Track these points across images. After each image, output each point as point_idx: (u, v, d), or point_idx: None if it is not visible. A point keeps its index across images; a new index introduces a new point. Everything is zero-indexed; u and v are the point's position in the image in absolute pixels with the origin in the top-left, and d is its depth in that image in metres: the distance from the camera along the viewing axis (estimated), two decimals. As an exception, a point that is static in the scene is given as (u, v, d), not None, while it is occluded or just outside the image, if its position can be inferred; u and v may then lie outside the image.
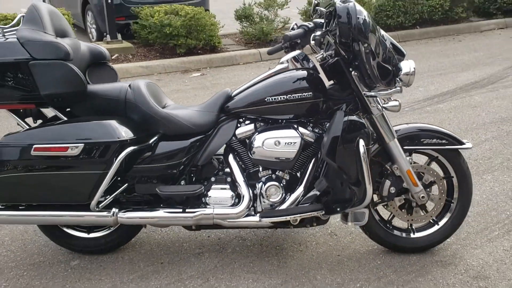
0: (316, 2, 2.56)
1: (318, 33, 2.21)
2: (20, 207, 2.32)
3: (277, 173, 2.39)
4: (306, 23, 2.33)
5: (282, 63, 2.45)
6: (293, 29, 2.59)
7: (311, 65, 2.41)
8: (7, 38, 2.21)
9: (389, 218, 2.55)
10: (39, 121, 2.44)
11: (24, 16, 2.31)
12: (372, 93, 2.29)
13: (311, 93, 2.30)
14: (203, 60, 6.42)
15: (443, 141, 2.42)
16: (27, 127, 2.33)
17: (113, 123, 2.19)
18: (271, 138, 2.29)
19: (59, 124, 2.25)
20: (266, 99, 2.31)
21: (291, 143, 2.28)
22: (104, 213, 2.29)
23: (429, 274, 2.38)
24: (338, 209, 2.29)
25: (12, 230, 2.78)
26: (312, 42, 2.24)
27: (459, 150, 2.46)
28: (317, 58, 2.39)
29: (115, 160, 2.18)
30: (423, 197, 2.40)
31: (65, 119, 2.31)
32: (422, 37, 7.93)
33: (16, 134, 2.23)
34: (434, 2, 7.94)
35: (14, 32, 2.26)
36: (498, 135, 3.98)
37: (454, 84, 5.44)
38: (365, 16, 2.13)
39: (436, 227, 2.52)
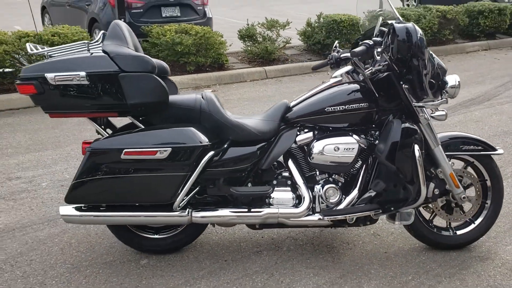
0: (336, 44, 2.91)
1: (379, 49, 2.48)
2: (101, 208, 2.51)
3: (333, 176, 2.63)
4: (366, 41, 2.59)
5: (335, 77, 2.71)
6: (335, 47, 2.91)
7: (361, 79, 2.68)
8: (93, 53, 2.42)
9: (431, 218, 2.81)
10: (108, 130, 2.63)
11: (105, 33, 2.54)
12: (421, 104, 2.57)
13: (366, 104, 2.56)
14: (212, 77, 6.66)
15: (479, 148, 2.71)
16: (107, 134, 2.52)
17: (194, 130, 2.41)
18: (331, 144, 2.54)
19: (142, 130, 2.44)
20: (326, 109, 2.56)
21: (349, 148, 2.53)
22: (181, 213, 2.48)
23: (471, 267, 2.64)
24: (392, 208, 2.54)
25: (75, 233, 2.93)
26: (378, 57, 2.49)
27: (492, 155, 2.75)
28: (367, 73, 2.67)
29: (200, 163, 2.39)
30: (463, 197, 2.68)
31: (142, 127, 2.51)
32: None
33: (105, 139, 2.42)
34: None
35: (99, 47, 2.47)
36: (504, 146, 4.32)
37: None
38: (422, 35, 2.42)
39: (472, 226, 2.79)
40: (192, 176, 2.41)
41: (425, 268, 2.64)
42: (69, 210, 2.52)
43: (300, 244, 2.86)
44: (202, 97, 2.55)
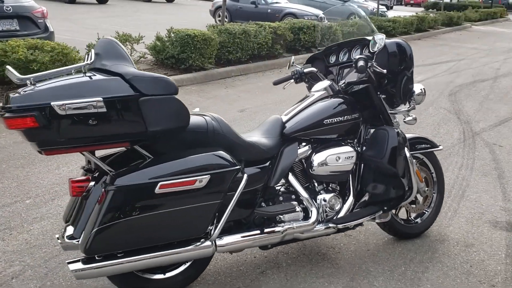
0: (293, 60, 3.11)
1: (362, 63, 2.67)
2: (118, 254, 2.14)
3: (330, 185, 2.75)
4: (362, 56, 2.75)
5: (318, 91, 2.83)
6: (293, 63, 3.06)
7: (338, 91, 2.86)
8: (96, 76, 2.06)
9: (397, 212, 3.14)
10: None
11: (98, 52, 2.17)
12: (395, 111, 2.88)
13: (357, 114, 2.76)
14: (74, 97, 6.02)
15: (428, 145, 3.15)
16: (109, 169, 2.16)
17: (225, 153, 2.25)
18: (333, 155, 2.66)
19: (169, 160, 2.16)
20: (324, 121, 2.67)
21: (349, 157, 2.69)
22: (206, 243, 2.28)
23: (438, 250, 3.05)
24: (392, 206, 2.78)
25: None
26: (361, 71, 2.70)
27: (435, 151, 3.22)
28: (341, 85, 2.87)
29: (238, 187, 2.24)
30: (425, 190, 3.08)
31: (151, 156, 2.22)
32: (257, 70, 8.92)
33: (131, 174, 2.07)
34: (261, 40, 9.03)
35: (97, 68, 2.11)
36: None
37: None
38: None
39: (426, 214, 3.22)
40: (232, 202, 2.25)
41: (407, 257, 2.95)
42: (81, 264, 2.09)
43: (294, 257, 2.89)
44: (213, 119, 2.40)
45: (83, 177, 2.25)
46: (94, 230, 2.01)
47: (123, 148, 2.31)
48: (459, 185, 4.08)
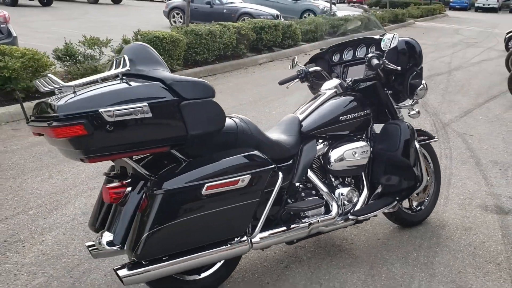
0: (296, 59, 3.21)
1: (376, 61, 2.80)
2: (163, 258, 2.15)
3: (346, 179, 2.87)
4: (375, 53, 2.87)
5: (328, 89, 2.93)
6: (296, 63, 3.16)
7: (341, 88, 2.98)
8: (131, 82, 2.07)
9: (400, 202, 3.30)
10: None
11: (131, 58, 2.17)
12: (400, 105, 3.04)
13: (368, 110, 2.89)
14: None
15: (426, 137, 3.33)
16: (147, 172, 2.17)
17: (259, 152, 2.31)
18: (349, 150, 2.77)
19: (208, 162, 2.19)
20: (340, 118, 2.78)
21: (365, 151, 2.82)
22: (242, 241, 2.33)
23: (442, 235, 3.24)
24: (405, 195, 2.93)
25: None
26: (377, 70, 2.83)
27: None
28: (348, 83, 2.99)
29: (276, 185, 2.31)
30: (426, 180, 3.26)
31: (186, 159, 2.24)
32: (223, 70, 8.96)
33: (178, 177, 2.08)
34: (226, 40, 9.08)
35: (133, 73, 2.11)
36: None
37: (290, 107, 6.58)
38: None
39: (426, 202, 3.40)
40: (270, 199, 2.32)
41: (415, 244, 3.12)
42: (127, 270, 2.09)
43: (312, 250, 2.99)
44: (241, 120, 2.44)
45: (118, 183, 2.24)
46: (145, 234, 2.02)
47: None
48: (444, 173, 4.31)
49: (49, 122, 1.89)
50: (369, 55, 2.84)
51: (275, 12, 14.78)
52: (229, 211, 2.20)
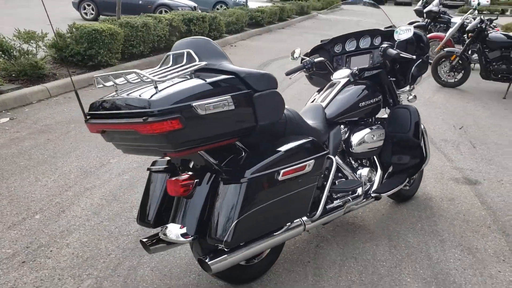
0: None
1: (392, 50, 3.05)
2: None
3: (364, 161, 3.11)
4: (387, 43, 3.11)
5: (342, 78, 3.14)
6: (299, 54, 3.35)
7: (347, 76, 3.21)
8: (208, 75, 2.12)
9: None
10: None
11: (189, 51, 2.22)
12: (400, 91, 3.35)
13: (380, 96, 3.15)
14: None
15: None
16: (217, 163, 2.23)
17: (315, 139, 2.45)
18: (369, 134, 3.02)
19: (272, 150, 2.28)
20: (360, 105, 3.01)
21: (381, 134, 3.09)
22: (297, 222, 2.48)
23: (433, 207, 3.61)
24: (414, 172, 3.24)
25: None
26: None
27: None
28: (354, 72, 3.23)
29: (332, 169, 2.47)
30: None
31: (246, 150, 2.33)
32: (159, 62, 8.80)
33: (257, 166, 2.15)
34: (160, 32, 8.95)
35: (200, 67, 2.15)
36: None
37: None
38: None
39: (415, 178, 3.77)
40: (329, 182, 2.47)
41: (415, 216, 3.46)
42: (212, 258, 2.15)
43: (331, 229, 3.20)
44: (286, 109, 2.56)
45: (186, 176, 2.27)
46: (235, 222, 2.09)
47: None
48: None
49: (144, 118, 1.89)
50: (384, 45, 3.09)
51: (192, 3, 14.70)
52: (298, 194, 2.34)
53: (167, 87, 2.02)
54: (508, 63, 7.29)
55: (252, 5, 17.60)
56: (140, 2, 14.46)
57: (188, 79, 2.09)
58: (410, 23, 14.37)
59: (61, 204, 3.34)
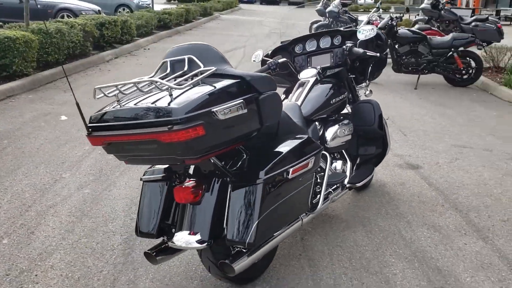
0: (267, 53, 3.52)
1: (358, 50, 3.24)
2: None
3: (336, 155, 3.29)
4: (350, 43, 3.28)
5: (310, 77, 3.28)
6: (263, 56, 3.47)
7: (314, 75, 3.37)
8: (217, 80, 2.14)
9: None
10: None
11: (190, 57, 2.23)
12: (358, 87, 3.58)
13: (346, 93, 3.35)
14: None
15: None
16: (225, 168, 2.27)
17: (310, 137, 2.55)
18: (340, 128, 3.20)
19: (275, 150, 2.35)
20: (331, 102, 3.18)
21: (350, 128, 3.28)
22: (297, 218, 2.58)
23: (390, 192, 3.90)
24: (379, 160, 3.48)
25: None
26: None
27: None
28: (319, 69, 3.39)
29: (327, 163, 2.59)
30: None
31: (247, 151, 2.38)
32: (77, 70, 8.40)
33: (268, 167, 2.20)
34: (74, 38, 8.52)
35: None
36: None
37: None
38: None
39: (369, 167, 4.04)
40: (325, 177, 2.59)
41: (377, 202, 3.71)
42: (234, 260, 2.17)
43: (309, 222, 3.34)
44: None
45: (193, 183, 2.27)
46: (255, 223, 2.13)
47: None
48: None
49: (169, 126, 1.87)
50: (348, 44, 3.28)
51: (96, 7, 14.11)
52: (303, 190, 2.44)
53: (182, 94, 2.01)
54: (417, 57, 7.98)
55: (154, 7, 17.36)
56: (39, 6, 13.57)
57: (200, 85, 2.09)
58: (313, 22, 15.10)
59: (27, 226, 3.12)
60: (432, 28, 10.54)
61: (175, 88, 1.99)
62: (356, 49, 3.26)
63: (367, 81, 3.63)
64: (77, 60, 8.69)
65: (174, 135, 1.88)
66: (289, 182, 2.31)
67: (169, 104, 1.94)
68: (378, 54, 3.33)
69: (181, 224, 2.30)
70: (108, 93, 2.13)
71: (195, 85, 2.09)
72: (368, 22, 9.93)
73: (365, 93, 3.68)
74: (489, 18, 11.12)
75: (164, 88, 2.00)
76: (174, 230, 2.38)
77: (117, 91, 2.10)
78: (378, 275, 2.74)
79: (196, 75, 2.13)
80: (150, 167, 2.51)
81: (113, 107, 2.11)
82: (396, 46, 8.05)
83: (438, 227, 3.31)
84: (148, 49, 11.65)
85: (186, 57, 2.26)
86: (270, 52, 3.67)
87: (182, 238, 2.25)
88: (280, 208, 2.27)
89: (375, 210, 3.56)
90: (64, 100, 6.45)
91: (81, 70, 8.51)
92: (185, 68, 2.24)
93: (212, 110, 1.96)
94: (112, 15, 12.53)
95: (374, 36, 3.28)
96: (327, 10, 13.80)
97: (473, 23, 10.99)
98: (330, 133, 3.14)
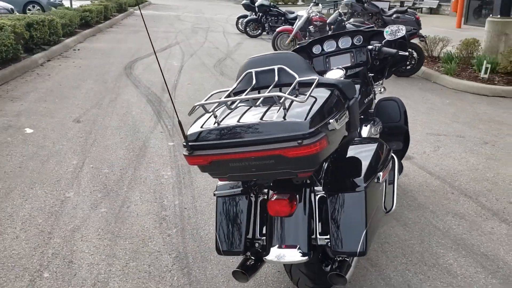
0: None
1: (390, 50, 3.29)
2: None
3: None
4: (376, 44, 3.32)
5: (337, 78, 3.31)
6: None
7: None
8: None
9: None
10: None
11: (287, 68, 2.18)
12: (374, 85, 3.66)
13: (373, 91, 3.41)
14: None
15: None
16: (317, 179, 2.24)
17: (380, 139, 2.58)
18: (374, 127, 3.27)
19: (356, 154, 2.36)
20: (364, 101, 3.22)
21: (380, 127, 3.36)
22: None
23: (398, 189, 4.06)
24: (404, 154, 3.61)
25: None
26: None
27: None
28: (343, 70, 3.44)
29: (395, 165, 2.65)
30: None
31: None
32: (14, 76, 7.69)
33: (363, 175, 2.19)
34: (6, 42, 7.79)
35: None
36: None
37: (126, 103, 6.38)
38: None
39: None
40: (396, 177, 2.64)
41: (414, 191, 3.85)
42: (344, 269, 2.15)
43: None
44: None
45: (287, 195, 2.21)
46: (365, 231, 2.11)
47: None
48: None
49: (299, 141, 1.82)
50: (377, 44, 3.34)
51: (8, 5, 13.04)
52: (384, 191, 2.47)
53: (297, 106, 1.96)
54: (365, 50, 8.31)
55: (68, 4, 16.39)
56: None
57: (305, 95, 2.04)
58: (241, 17, 15.12)
59: (60, 255, 2.83)
60: (366, 22, 11.01)
61: (300, 102, 1.92)
62: (386, 49, 3.33)
63: (386, 79, 3.73)
64: (9, 66, 7.94)
65: (303, 150, 1.83)
66: (379, 186, 2.33)
67: (284, 118, 1.88)
68: (407, 53, 3.43)
69: (276, 238, 2.22)
70: (209, 109, 2.01)
71: (305, 96, 2.03)
72: (308, 18, 10.22)
73: (380, 90, 3.78)
74: (408, 10, 11.87)
75: (297, 100, 1.91)
76: (257, 245, 2.31)
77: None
78: (437, 266, 2.85)
79: (295, 86, 2.07)
80: (223, 182, 2.40)
81: (218, 125, 2.00)
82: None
83: (461, 214, 3.51)
84: (78, 49, 10.96)
85: (276, 67, 2.19)
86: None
87: (282, 253, 2.17)
88: (376, 213, 2.28)
89: (397, 203, 3.68)
90: (17, 110, 5.89)
91: (18, 76, 7.81)
92: (276, 79, 2.18)
93: (329, 121, 1.93)
94: (22, 14, 11.62)
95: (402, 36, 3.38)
96: (256, 4, 13.89)
97: (394, 15, 11.62)
98: (365, 132, 3.19)
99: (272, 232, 2.24)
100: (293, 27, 10.37)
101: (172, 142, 4.88)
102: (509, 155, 4.72)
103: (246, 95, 2.15)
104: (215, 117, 2.03)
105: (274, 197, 2.20)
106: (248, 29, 14.08)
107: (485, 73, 7.61)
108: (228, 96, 2.22)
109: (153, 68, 8.89)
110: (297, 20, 10.43)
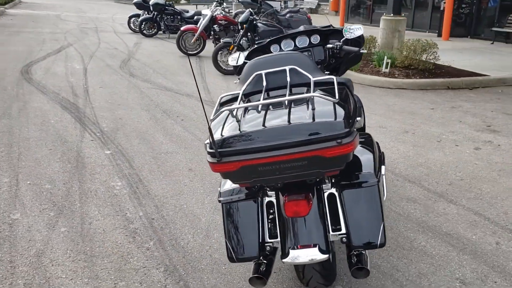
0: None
1: (351, 48, 3.39)
2: None
3: None
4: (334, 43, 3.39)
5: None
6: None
7: None
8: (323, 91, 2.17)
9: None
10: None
11: (299, 69, 2.21)
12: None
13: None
14: None
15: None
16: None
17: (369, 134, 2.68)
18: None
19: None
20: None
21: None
22: None
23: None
24: None
25: None
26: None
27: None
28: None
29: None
30: None
31: None
32: None
33: (370, 167, 2.27)
34: None
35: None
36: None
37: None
38: None
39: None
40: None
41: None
42: (364, 261, 2.21)
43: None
44: None
45: (304, 195, 2.21)
46: (382, 223, 2.19)
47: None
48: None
49: (338, 140, 1.84)
50: (338, 43, 3.44)
51: None
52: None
53: (321, 106, 1.98)
54: (277, 48, 8.52)
55: None
56: None
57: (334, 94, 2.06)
58: (133, 16, 14.64)
59: (34, 284, 2.53)
60: (269, 20, 11.29)
61: (334, 101, 1.94)
62: (348, 47, 3.45)
63: (340, 76, 3.87)
64: None
65: (341, 149, 1.85)
66: (382, 178, 2.42)
67: (313, 118, 1.90)
68: (365, 51, 3.59)
69: (293, 239, 2.21)
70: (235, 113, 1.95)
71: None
72: (212, 16, 10.20)
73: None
74: (300, 10, 12.46)
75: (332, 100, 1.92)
76: (268, 248, 2.29)
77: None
78: (414, 249, 3.04)
79: (308, 86, 2.10)
80: (227, 188, 2.34)
81: (243, 130, 1.94)
82: (257, 39, 8.45)
83: (413, 199, 3.77)
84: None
85: (287, 68, 2.18)
86: (247, 54, 3.60)
87: (303, 253, 2.18)
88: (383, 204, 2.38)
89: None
90: None
91: None
92: (288, 79, 2.17)
93: (356, 120, 1.98)
94: None
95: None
96: (151, 2, 13.52)
97: (288, 15, 12.12)
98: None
99: (287, 233, 2.23)
100: (197, 26, 10.26)
101: (108, 151, 4.58)
102: (430, 142, 5.17)
103: (263, 97, 2.11)
104: (238, 121, 1.97)
105: (289, 198, 2.19)
106: (143, 28, 13.64)
107: (386, 67, 8.23)
108: (240, 99, 2.15)
109: (54, 71, 8.25)
110: (201, 19, 10.34)
